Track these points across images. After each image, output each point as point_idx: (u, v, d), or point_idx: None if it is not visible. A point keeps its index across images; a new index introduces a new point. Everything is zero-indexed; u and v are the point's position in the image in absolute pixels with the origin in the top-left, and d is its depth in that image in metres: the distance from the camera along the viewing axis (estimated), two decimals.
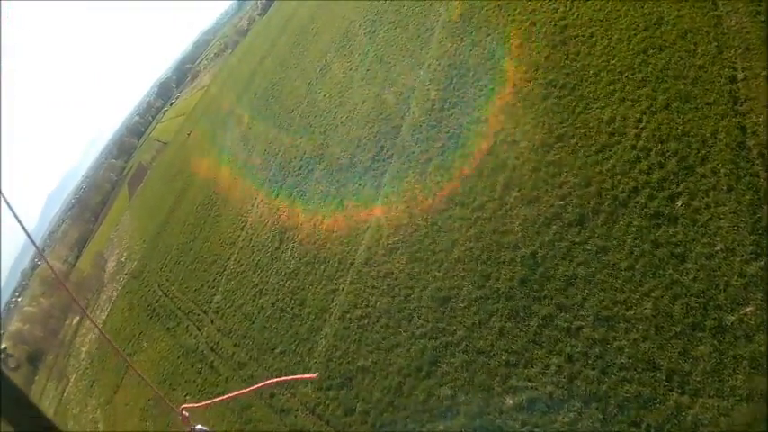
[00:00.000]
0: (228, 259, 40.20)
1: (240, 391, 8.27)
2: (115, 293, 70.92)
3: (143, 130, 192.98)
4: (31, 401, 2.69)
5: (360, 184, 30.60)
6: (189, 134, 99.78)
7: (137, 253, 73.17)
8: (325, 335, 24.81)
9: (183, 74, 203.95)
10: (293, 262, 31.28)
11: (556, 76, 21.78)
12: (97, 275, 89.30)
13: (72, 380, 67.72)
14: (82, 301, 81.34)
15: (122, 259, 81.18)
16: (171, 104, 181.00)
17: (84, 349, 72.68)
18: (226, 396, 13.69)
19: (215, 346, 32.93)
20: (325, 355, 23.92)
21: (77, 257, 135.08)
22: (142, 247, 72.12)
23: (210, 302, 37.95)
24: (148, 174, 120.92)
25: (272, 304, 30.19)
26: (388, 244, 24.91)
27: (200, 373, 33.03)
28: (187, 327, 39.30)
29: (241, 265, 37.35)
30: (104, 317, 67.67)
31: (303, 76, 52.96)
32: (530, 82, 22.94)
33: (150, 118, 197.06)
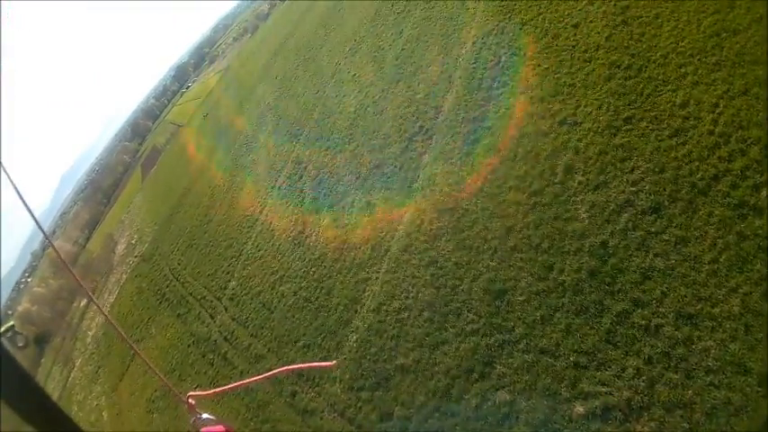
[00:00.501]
0: (245, 243, 37.77)
1: (252, 379, 7.61)
2: (124, 276, 68.98)
3: (158, 113, 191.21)
4: (36, 384, 2.34)
5: (396, 165, 27.96)
6: (205, 116, 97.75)
7: (148, 235, 71.16)
8: (356, 328, 22.25)
9: (201, 58, 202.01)
10: (319, 248, 28.78)
11: (619, 56, 19.67)
12: (106, 258, 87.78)
13: (77, 364, 66.01)
14: (90, 283, 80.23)
15: (133, 241, 79.27)
16: (187, 88, 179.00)
17: (90, 333, 70.85)
18: (236, 384, 12.93)
19: (229, 336, 30.51)
20: (357, 351, 21.36)
21: (88, 239, 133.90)
22: (153, 230, 70.10)
23: (225, 289, 35.57)
24: (162, 156, 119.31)
25: (295, 293, 27.72)
26: (431, 229, 22.31)
27: (212, 365, 30.66)
28: (199, 314, 36.99)
29: (259, 250, 34.88)
30: (112, 300, 65.96)
31: (330, 55, 50.22)
32: (589, 62, 20.71)
33: (166, 101, 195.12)
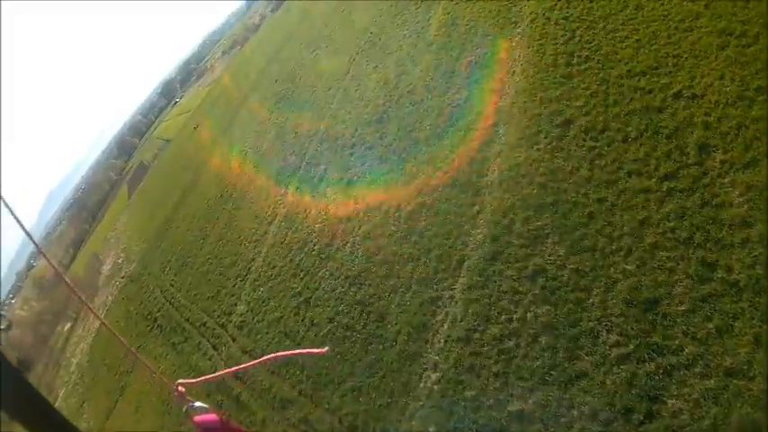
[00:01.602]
0: (253, 260, 31.88)
1: (241, 366, 8.15)
2: (110, 299, 62.70)
3: (145, 129, 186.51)
4: (34, 390, 2.37)
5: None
6: (196, 127, 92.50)
7: (135, 254, 64.83)
8: (433, 364, 16.56)
9: (189, 73, 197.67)
10: (357, 262, 23.05)
11: (727, 24, 16.30)
12: (91, 278, 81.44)
13: (61, 395, 59.11)
14: (74, 304, 75.32)
15: (119, 261, 72.92)
16: (175, 103, 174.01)
17: (74, 360, 64.22)
18: (224, 371, 13.33)
19: (241, 373, 24.36)
20: (441, 396, 15.72)
21: (73, 259, 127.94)
22: (141, 248, 63.76)
23: (231, 314, 29.58)
24: (149, 172, 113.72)
25: (330, 319, 21.92)
26: (528, 230, 16.86)
27: (220, 406, 24.57)
28: (199, 344, 30.94)
29: (273, 268, 28.94)
30: (97, 325, 59.61)
31: (341, 52, 44.89)
32: (690, 31, 17.20)
33: (153, 117, 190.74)
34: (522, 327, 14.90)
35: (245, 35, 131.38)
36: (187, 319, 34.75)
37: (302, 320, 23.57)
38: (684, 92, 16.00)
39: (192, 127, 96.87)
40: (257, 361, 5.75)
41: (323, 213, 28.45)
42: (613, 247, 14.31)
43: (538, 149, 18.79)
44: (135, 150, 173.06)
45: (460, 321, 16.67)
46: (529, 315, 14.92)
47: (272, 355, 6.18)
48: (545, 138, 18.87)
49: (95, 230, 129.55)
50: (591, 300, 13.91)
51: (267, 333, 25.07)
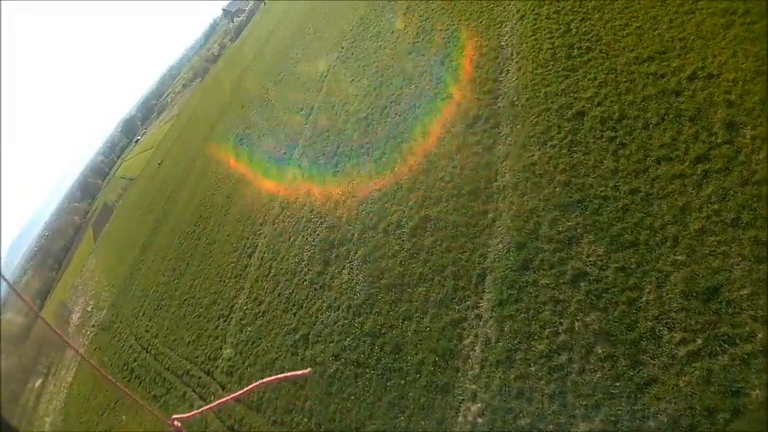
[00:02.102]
0: (236, 298, 28.92)
1: (231, 396, 7.06)
2: (82, 349, 58.30)
3: (107, 170, 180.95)
4: None
5: (456, 164, 20.54)
6: (160, 163, 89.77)
7: (105, 300, 60.87)
8: (471, 394, 14.19)
9: (149, 110, 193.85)
10: (359, 288, 20.48)
11: (729, 4, 15.80)
12: (61, 329, 76.62)
13: None
14: (44, 358, 70.85)
15: (89, 309, 68.56)
16: (136, 141, 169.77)
17: (48, 420, 59.57)
18: (216, 402, 11.76)
19: (238, 426, 21.37)
20: (487, 426, 13.41)
21: (40, 309, 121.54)
22: (111, 293, 59.86)
23: (216, 360, 26.48)
24: (115, 213, 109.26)
25: (336, 356, 19.21)
26: (559, 232, 14.98)
27: None
28: (184, 394, 27.63)
29: (260, 304, 26.07)
30: (70, 379, 55.70)
31: (312, 68, 42.77)
32: (693, 13, 16.56)
33: (115, 157, 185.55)
34: (571, 338, 12.97)
35: (206, 66, 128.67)
36: (168, 368, 31.42)
37: (301, 360, 20.78)
38: (699, 73, 15.22)
39: (156, 163, 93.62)
40: (246, 389, 6.04)
41: (310, 239, 25.72)
42: (657, 239, 12.92)
43: (552, 146, 17.11)
44: (98, 192, 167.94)
45: (496, 342, 14.38)
46: (577, 324, 13.05)
47: (261, 381, 6.32)
48: (558, 133, 17.27)
49: (62, 278, 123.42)
50: (644, 298, 12.29)
51: (262, 377, 22.07)
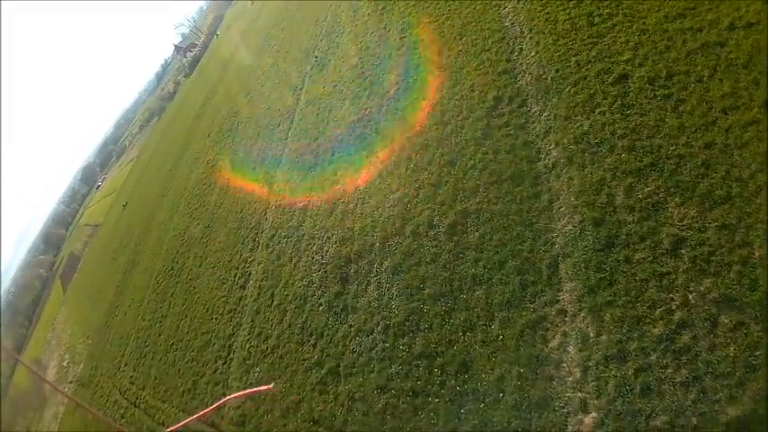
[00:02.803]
0: (234, 335, 24.82)
1: (203, 411, 8.80)
2: (62, 408, 52.92)
3: (70, 219, 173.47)
4: None
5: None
6: (125, 205, 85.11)
7: (81, 353, 55.39)
8: (582, 404, 11.51)
9: (107, 155, 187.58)
10: (395, 304, 17.15)
11: None
12: (37, 388, 71.10)
13: None
14: (22, 420, 65.12)
15: (64, 364, 62.88)
16: (97, 187, 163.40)
17: None
18: (196, 416, 12.78)
19: None
20: None
21: (13, 369, 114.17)
22: (87, 345, 54.50)
23: (221, 409, 22.24)
24: (81, 261, 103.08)
25: (382, 388, 15.79)
26: (639, 199, 13.22)
27: None
28: None
29: (266, 339, 22.05)
30: None
31: (286, 83, 39.24)
32: None
33: (77, 206, 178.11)
34: (689, 313, 10.99)
35: (161, 104, 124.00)
36: (162, 423, 26.93)
37: (335, 399, 16.98)
38: (737, 23, 14.27)
39: (120, 205, 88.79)
40: (216, 405, 8.44)
41: (318, 256, 21.96)
42: (751, 189, 11.49)
43: (602, 113, 15.32)
44: (63, 242, 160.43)
45: (598, 336, 11.92)
46: (691, 296, 11.10)
47: (227, 398, 8.70)
48: (604, 99, 15.51)
49: (33, 334, 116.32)
50: (756, 253, 10.75)
51: (285, 426, 18.11)
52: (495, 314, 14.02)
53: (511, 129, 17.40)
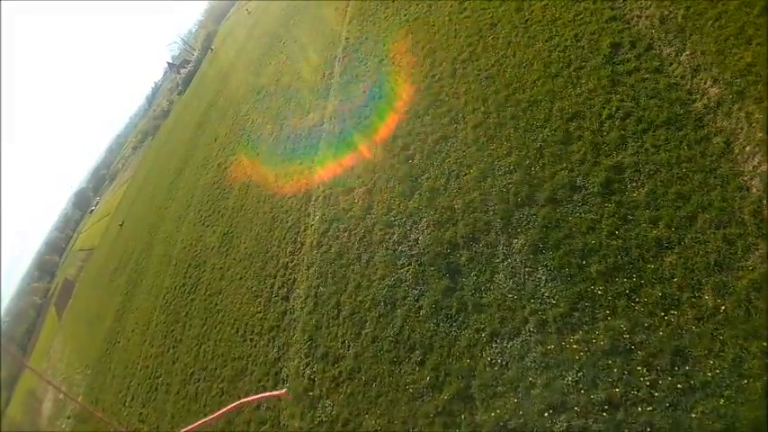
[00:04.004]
0: (282, 359, 18.74)
1: (209, 417, 7.77)
2: None
3: (64, 245, 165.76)
4: None
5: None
6: (121, 224, 78.43)
7: (79, 385, 48.42)
8: None
9: (100, 180, 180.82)
10: (555, 291, 11.74)
11: None
12: (32, 422, 64.54)
13: None
14: None
15: (61, 396, 55.89)
16: (91, 212, 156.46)
17: None
18: (203, 420, 11.19)
19: None
20: None
21: (7, 402, 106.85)
22: (85, 376, 47.57)
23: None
24: (76, 286, 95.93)
25: (551, 408, 10.71)
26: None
27: None
28: None
29: (338, 360, 16.05)
30: None
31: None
32: None
33: (70, 231, 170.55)
34: None
35: (155, 123, 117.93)
36: None
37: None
38: None
39: (116, 225, 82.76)
40: (224, 410, 7.13)
41: (405, 249, 16.11)
42: None
43: (759, 44, 12.05)
44: (56, 268, 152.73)
45: None
46: None
47: (237, 402, 7.10)
48: (757, 30, 12.31)
49: (28, 364, 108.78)
50: None
51: None
52: (703, 281, 10.09)
53: (644, 73, 14.06)
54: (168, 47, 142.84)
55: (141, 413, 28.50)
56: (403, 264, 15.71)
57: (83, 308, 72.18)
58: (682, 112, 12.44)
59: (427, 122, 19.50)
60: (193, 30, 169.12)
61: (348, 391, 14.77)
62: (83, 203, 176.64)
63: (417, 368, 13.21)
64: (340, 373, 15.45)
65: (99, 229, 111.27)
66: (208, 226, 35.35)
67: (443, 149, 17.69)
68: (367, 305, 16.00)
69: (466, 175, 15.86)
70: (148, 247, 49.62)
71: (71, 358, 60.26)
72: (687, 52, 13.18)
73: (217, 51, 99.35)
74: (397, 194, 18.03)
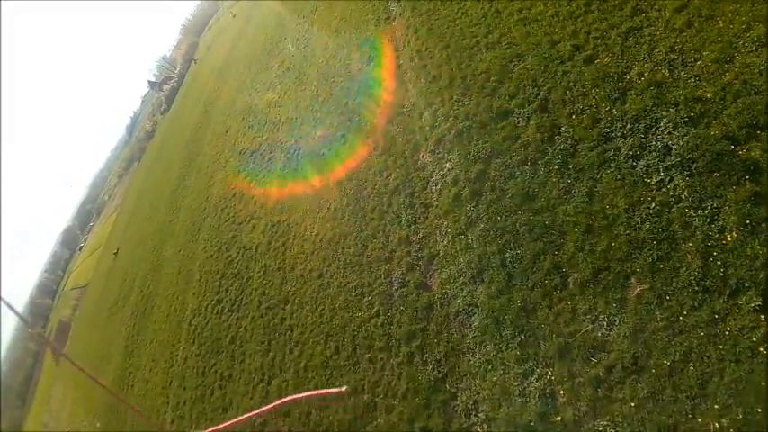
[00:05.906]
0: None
1: (261, 410, 6.19)
2: None
3: (55, 287, 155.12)
4: None
5: None
6: (116, 252, 70.06)
7: None
8: None
9: (87, 215, 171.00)
10: None
11: None
12: None
13: None
14: None
15: None
16: (80, 249, 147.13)
17: None
18: (244, 416, 7.79)
19: None
20: None
21: None
22: (95, 429, 37.88)
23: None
24: (72, 327, 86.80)
25: None
26: None
27: None
28: None
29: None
30: None
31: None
32: None
33: (60, 272, 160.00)
34: None
35: (140, 146, 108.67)
36: None
37: None
38: None
39: (110, 254, 73.78)
40: (278, 402, 5.40)
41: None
42: None
43: None
44: (50, 311, 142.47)
45: None
46: None
47: (292, 397, 5.60)
48: None
49: (28, 415, 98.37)
50: None
51: None
52: None
53: None
54: (150, 69, 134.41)
55: None
56: None
57: (81, 349, 62.19)
58: None
59: None
60: (169, 53, 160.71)
61: None
62: (71, 242, 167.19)
63: None
64: None
65: (90, 265, 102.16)
66: (240, 223, 26.39)
67: None
68: None
69: None
70: (155, 269, 40.48)
71: (74, 408, 50.62)
72: None
73: (202, 59, 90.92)
74: None
